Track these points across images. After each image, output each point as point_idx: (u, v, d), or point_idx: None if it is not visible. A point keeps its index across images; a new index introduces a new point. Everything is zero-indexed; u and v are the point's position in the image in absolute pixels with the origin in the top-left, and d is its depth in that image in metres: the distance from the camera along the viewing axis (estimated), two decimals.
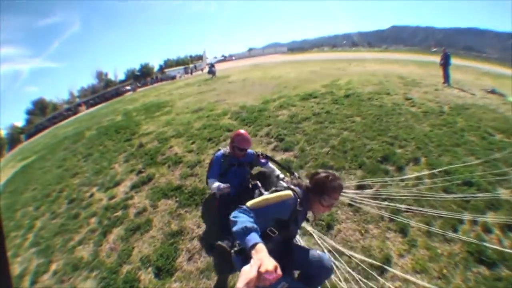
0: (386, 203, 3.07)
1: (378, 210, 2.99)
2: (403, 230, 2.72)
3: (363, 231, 2.77)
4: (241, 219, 1.35)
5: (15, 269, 4.09)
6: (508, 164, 3.89)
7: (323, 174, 1.77)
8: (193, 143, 5.75)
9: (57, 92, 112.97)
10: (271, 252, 1.27)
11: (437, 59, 12.69)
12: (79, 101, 59.32)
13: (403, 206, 3.00)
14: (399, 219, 2.82)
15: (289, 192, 1.69)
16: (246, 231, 1.29)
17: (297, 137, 5.04)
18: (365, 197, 3.19)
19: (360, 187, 3.41)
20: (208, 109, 8.43)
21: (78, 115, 38.00)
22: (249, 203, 1.51)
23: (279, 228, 1.61)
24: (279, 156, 4.45)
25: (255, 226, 1.32)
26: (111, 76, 75.16)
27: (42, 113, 62.54)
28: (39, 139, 23.78)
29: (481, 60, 37.13)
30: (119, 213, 3.98)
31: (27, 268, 3.89)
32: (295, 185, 1.82)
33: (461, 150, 4.29)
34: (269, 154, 4.61)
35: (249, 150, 3.35)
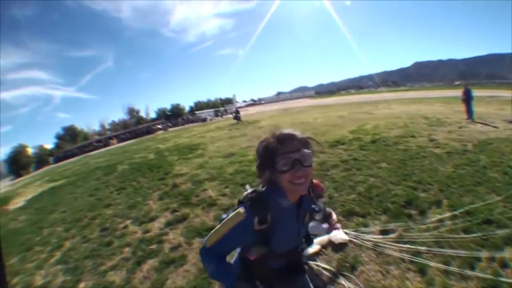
0: (407, 245, 3.13)
1: (399, 252, 3.07)
2: (422, 270, 2.76)
3: (384, 272, 2.84)
4: (208, 267, 1.28)
5: (37, 280, 4.33)
6: None
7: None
8: (226, 187, 6.03)
9: (88, 122, 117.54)
10: (270, 278, 1.40)
11: (460, 93, 12.67)
12: (110, 134, 61.51)
13: (423, 248, 3.05)
14: (418, 260, 2.88)
15: (239, 210, 1.22)
16: (219, 278, 1.32)
17: (326, 185, 5.18)
18: (388, 241, 3.29)
19: (384, 232, 3.50)
20: (240, 155, 8.84)
21: (108, 147, 39.18)
22: (206, 240, 1.26)
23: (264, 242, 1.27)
24: None
25: (221, 269, 1.27)
26: (142, 113, 78.67)
27: (72, 140, 65.83)
28: (68, 165, 24.56)
29: (503, 87, 36.59)
30: (154, 246, 4.17)
31: (51, 281, 4.09)
32: (248, 194, 1.28)
33: (482, 189, 4.31)
34: None
35: None
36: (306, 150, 1.20)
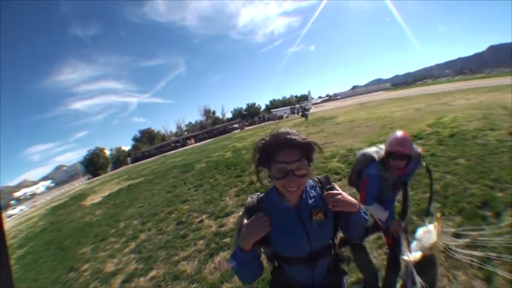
0: (478, 251, 2.94)
1: (469, 257, 2.90)
2: (488, 278, 2.62)
3: (451, 277, 2.75)
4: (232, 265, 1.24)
5: (108, 267, 4.75)
6: None
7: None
8: None
9: (165, 124, 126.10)
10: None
11: None
12: (188, 134, 65.41)
13: (493, 254, 2.84)
14: (486, 267, 2.72)
15: (239, 214, 1.36)
16: (239, 272, 1.27)
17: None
18: (459, 244, 3.15)
19: (456, 235, 3.34)
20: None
21: (186, 147, 41.66)
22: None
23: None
24: None
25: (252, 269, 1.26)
26: (218, 114, 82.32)
27: (150, 142, 71.23)
28: (146, 164, 26.48)
29: None
30: (227, 239, 4.41)
31: (122, 269, 4.49)
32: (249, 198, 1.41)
33: None
34: None
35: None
36: (301, 162, 1.20)
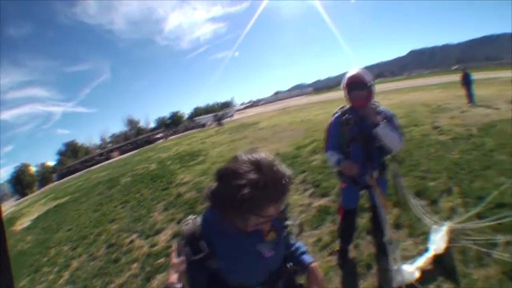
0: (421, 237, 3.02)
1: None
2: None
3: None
4: None
5: None
6: None
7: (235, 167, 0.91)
8: None
9: (89, 136, 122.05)
10: None
11: (459, 77, 12.63)
12: (111, 146, 63.37)
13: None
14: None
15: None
16: None
17: (333, 182, 4.93)
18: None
19: (397, 226, 3.37)
20: None
21: (110, 160, 40.42)
22: None
23: None
24: (316, 203, 4.49)
25: None
26: (142, 124, 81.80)
27: (74, 156, 68.00)
28: (72, 181, 25.23)
29: (502, 68, 36.31)
30: (162, 260, 4.09)
31: None
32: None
33: (491, 172, 4.20)
34: (306, 201, 4.65)
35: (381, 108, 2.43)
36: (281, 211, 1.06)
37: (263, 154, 0.95)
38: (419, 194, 3.95)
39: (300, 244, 1.33)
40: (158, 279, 3.66)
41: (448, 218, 3.24)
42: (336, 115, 2.52)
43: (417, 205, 3.12)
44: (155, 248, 4.59)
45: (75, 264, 5.19)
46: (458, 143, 5.87)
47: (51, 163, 67.86)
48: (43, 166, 64.27)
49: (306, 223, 3.88)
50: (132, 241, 5.20)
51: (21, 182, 55.18)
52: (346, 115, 2.41)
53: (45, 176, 59.36)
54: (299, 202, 4.66)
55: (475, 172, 4.33)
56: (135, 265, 4.27)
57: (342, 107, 2.54)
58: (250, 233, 1.03)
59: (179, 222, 5.22)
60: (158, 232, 5.18)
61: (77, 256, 5.50)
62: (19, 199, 48.52)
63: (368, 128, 2.28)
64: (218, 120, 27.43)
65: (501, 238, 2.75)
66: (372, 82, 2.32)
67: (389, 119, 2.36)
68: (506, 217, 2.87)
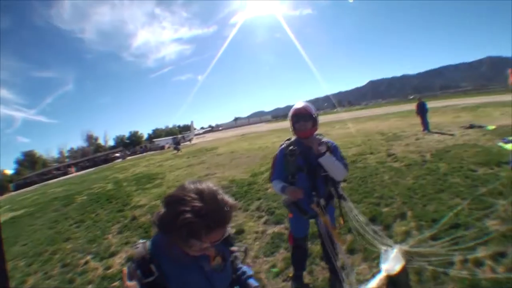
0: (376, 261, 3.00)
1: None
2: None
3: None
4: None
5: None
6: (493, 195, 4.02)
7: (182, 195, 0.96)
8: None
9: (47, 148, 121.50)
10: None
11: (414, 107, 13.34)
12: (69, 161, 62.55)
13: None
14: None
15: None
16: None
17: (287, 210, 4.91)
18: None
19: (351, 250, 3.36)
20: None
21: (67, 176, 39.46)
22: None
23: None
24: (271, 230, 4.45)
25: None
26: (101, 141, 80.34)
27: (32, 166, 66.20)
28: (28, 194, 24.06)
29: (459, 96, 38.80)
30: (117, 283, 3.93)
31: None
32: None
33: (445, 195, 4.38)
34: (261, 228, 4.63)
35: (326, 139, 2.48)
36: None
37: (208, 184, 1.03)
38: (373, 220, 4.01)
39: (247, 268, 1.38)
40: None
41: (402, 241, 3.29)
42: (282, 146, 2.57)
43: (368, 229, 3.13)
44: (110, 270, 4.38)
45: (31, 281, 4.88)
46: (412, 169, 6.12)
47: (9, 171, 65.45)
48: (1, 173, 61.67)
49: (261, 250, 3.85)
50: (87, 262, 4.96)
51: None
52: (291, 147, 2.47)
53: (2, 184, 56.13)
54: (253, 229, 4.63)
55: (429, 195, 4.50)
56: (89, 286, 4.08)
57: (288, 139, 2.62)
58: (197, 257, 1.07)
59: (133, 246, 4.93)
60: (113, 254, 4.96)
61: (32, 273, 5.17)
62: None
63: (313, 159, 2.34)
64: (176, 145, 27.20)
65: (456, 255, 2.83)
66: (316, 114, 2.42)
67: (333, 149, 2.43)
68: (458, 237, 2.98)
